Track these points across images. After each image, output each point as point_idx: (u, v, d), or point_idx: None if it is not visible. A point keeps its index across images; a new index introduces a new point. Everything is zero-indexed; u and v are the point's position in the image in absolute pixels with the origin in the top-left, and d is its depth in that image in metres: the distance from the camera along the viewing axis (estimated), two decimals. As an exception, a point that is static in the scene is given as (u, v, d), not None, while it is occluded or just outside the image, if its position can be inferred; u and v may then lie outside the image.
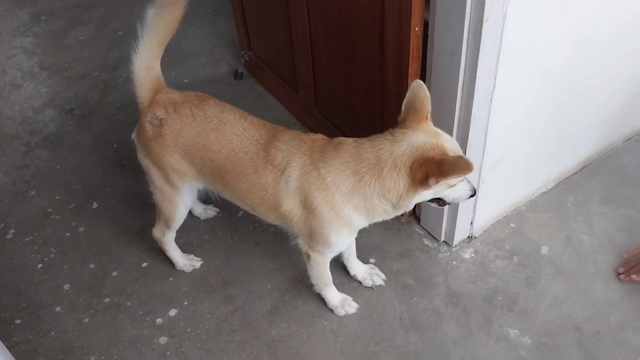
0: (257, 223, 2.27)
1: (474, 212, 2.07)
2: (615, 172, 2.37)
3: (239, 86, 3.06)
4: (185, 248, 2.19)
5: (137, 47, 1.74)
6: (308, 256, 1.79)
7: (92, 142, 2.78)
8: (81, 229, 2.34)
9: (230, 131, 1.71)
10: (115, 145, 2.74)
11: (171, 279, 2.12)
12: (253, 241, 2.23)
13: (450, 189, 1.55)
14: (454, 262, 2.09)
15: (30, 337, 1.97)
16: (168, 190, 1.88)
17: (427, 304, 1.97)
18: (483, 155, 1.89)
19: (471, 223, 2.11)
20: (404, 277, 2.06)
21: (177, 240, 2.11)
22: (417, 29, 1.70)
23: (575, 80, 1.98)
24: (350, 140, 1.60)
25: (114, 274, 2.16)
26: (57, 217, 2.40)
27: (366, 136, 1.58)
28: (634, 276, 1.92)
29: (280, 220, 1.73)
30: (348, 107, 2.29)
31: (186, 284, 2.10)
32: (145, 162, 1.86)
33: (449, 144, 1.48)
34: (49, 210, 2.43)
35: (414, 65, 1.79)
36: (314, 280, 1.91)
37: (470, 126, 1.75)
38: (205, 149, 1.73)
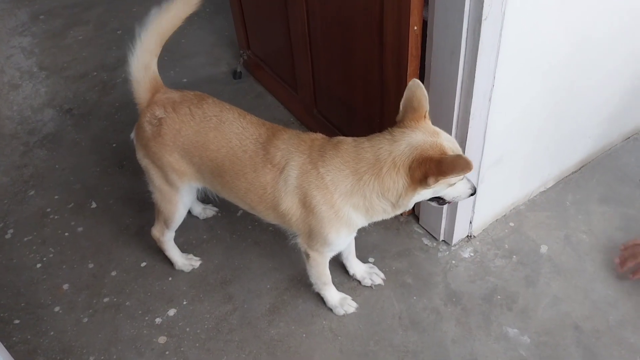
0: (256, 222, 2.27)
1: (473, 211, 2.07)
2: (614, 171, 2.37)
3: (237, 85, 3.06)
4: (184, 248, 2.19)
5: (134, 45, 1.73)
6: (307, 255, 1.79)
7: (91, 142, 2.78)
8: (80, 229, 2.34)
9: (229, 130, 1.71)
10: (114, 145, 2.74)
11: (170, 278, 2.12)
12: (252, 240, 2.23)
13: (450, 187, 1.55)
14: (453, 261, 2.09)
15: (29, 337, 1.97)
16: (167, 190, 1.88)
17: (427, 303, 1.97)
18: (482, 155, 1.89)
19: (470, 222, 2.11)
20: (403, 276, 2.06)
21: (176, 240, 2.11)
22: (415, 28, 1.70)
23: (575, 79, 1.98)
24: (349, 139, 1.60)
25: (113, 273, 2.16)
26: (56, 217, 2.40)
27: (365, 135, 1.58)
28: (630, 275, 1.92)
29: (279, 219, 1.73)
30: (347, 106, 2.29)
31: (185, 284, 2.10)
32: (144, 161, 1.86)
33: (448, 143, 1.48)
34: (48, 210, 2.43)
35: (412, 65, 1.79)
36: (313, 280, 1.91)
37: (469, 125, 1.75)
38: (204, 148, 1.72)
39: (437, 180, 1.43)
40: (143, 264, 2.18)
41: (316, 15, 2.18)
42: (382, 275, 2.04)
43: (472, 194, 1.62)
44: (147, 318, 2.00)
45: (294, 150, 1.63)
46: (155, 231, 2.04)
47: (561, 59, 1.86)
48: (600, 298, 1.93)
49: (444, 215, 2.06)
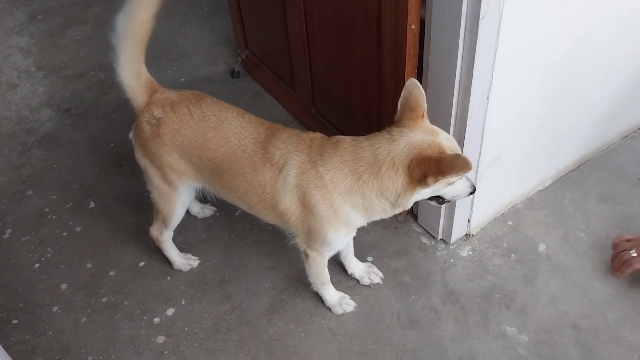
0: (255, 222, 2.27)
1: (472, 210, 2.07)
2: (612, 169, 2.38)
3: (236, 85, 3.06)
4: (182, 247, 2.18)
5: (118, 58, 1.71)
6: (306, 255, 1.79)
7: (89, 142, 2.77)
8: (78, 229, 2.34)
9: (228, 129, 1.71)
10: (112, 145, 2.74)
11: (168, 278, 2.12)
12: (250, 240, 2.23)
13: (449, 186, 1.55)
14: (452, 260, 2.09)
15: (27, 337, 1.96)
16: (166, 189, 1.88)
17: (425, 302, 1.97)
18: (480, 153, 1.89)
19: (468, 221, 2.11)
20: (401, 275, 2.06)
21: (174, 240, 2.10)
22: (413, 27, 1.70)
23: (572, 77, 1.98)
24: (348, 138, 1.60)
25: (111, 273, 2.16)
26: (54, 217, 2.39)
27: (364, 134, 1.58)
28: (618, 273, 1.91)
29: (278, 218, 1.73)
30: (345, 105, 2.29)
31: (184, 283, 2.10)
32: (143, 161, 1.86)
33: (447, 142, 1.48)
34: (46, 209, 2.43)
35: (410, 64, 1.79)
36: (311, 279, 1.91)
37: (467, 124, 1.75)
38: (203, 148, 1.72)
39: (436, 180, 1.43)
40: (141, 264, 2.18)
41: (314, 15, 2.18)
42: (380, 274, 2.05)
43: (471, 193, 1.62)
44: (145, 318, 2.00)
45: (293, 149, 1.63)
46: (154, 231, 2.03)
47: (559, 58, 1.86)
48: (599, 296, 1.94)
49: (443, 214, 2.06)
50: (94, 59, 3.36)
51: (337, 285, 2.00)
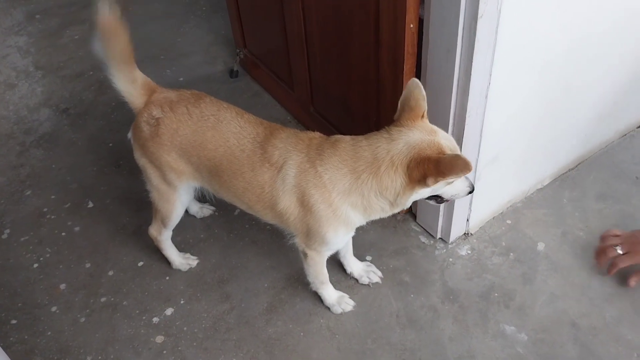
0: (253, 221, 2.27)
1: (470, 209, 2.07)
2: (611, 168, 2.38)
3: (234, 84, 3.05)
4: (181, 247, 2.18)
5: (109, 72, 1.73)
6: (305, 254, 1.79)
7: (88, 142, 2.77)
8: (77, 229, 2.33)
9: (227, 129, 1.70)
10: (110, 145, 2.73)
11: (167, 277, 2.12)
12: (249, 239, 2.23)
13: (448, 185, 1.54)
14: (450, 259, 2.10)
15: (26, 337, 1.96)
16: (165, 189, 1.87)
17: (424, 301, 1.97)
18: (479, 152, 1.89)
19: (467, 220, 2.11)
20: (400, 274, 2.06)
21: (173, 239, 2.10)
22: (412, 25, 1.70)
23: (570, 76, 1.98)
24: (347, 138, 1.60)
25: (110, 273, 2.15)
26: (52, 217, 2.39)
27: (362, 133, 1.58)
28: (606, 272, 1.91)
29: (276, 218, 1.73)
30: (343, 104, 2.29)
31: (182, 283, 2.10)
32: (141, 161, 1.86)
33: (446, 141, 1.48)
34: (45, 209, 2.42)
35: (409, 62, 1.79)
36: (310, 279, 1.91)
37: (466, 123, 1.75)
38: (202, 147, 1.72)
39: (436, 181, 1.43)
40: (140, 264, 2.18)
41: (312, 14, 2.18)
42: (379, 273, 2.05)
43: (470, 192, 1.62)
44: (144, 317, 2.00)
45: (291, 149, 1.63)
46: (153, 230, 2.03)
47: (557, 57, 1.86)
48: (597, 295, 1.94)
49: (441, 213, 2.06)
50: (92, 59, 3.30)
51: (336, 285, 2.00)
